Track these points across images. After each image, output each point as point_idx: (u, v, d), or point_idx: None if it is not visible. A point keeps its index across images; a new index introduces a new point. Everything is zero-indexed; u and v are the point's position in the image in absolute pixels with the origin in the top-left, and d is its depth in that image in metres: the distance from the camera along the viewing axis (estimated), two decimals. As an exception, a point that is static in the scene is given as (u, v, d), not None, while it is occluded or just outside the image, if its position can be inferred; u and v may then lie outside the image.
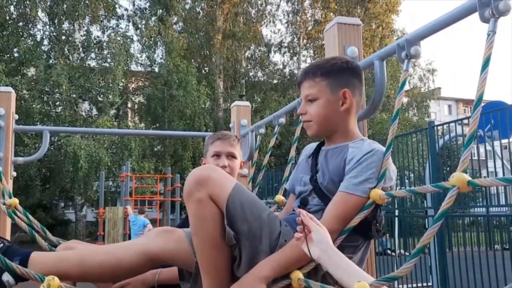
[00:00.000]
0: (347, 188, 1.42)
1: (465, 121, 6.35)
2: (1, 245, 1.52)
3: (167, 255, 1.56)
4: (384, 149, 1.47)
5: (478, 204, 7.28)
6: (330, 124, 1.56)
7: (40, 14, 17.40)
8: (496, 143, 5.75)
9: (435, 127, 5.92)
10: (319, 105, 1.55)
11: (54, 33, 17.63)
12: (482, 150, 5.85)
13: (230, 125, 3.27)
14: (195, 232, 1.41)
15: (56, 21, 17.55)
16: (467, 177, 1.09)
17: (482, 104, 1.18)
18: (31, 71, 17.03)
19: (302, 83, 1.60)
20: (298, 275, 1.36)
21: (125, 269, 1.54)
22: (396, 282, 5.84)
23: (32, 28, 17.26)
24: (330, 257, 1.20)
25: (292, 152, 2.24)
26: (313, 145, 1.72)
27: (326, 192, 1.50)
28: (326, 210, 1.44)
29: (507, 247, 5.78)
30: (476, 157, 5.84)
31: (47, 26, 17.88)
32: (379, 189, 1.40)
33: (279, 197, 2.17)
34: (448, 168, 7.38)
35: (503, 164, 5.60)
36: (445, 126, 6.39)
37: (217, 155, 2.10)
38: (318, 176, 1.55)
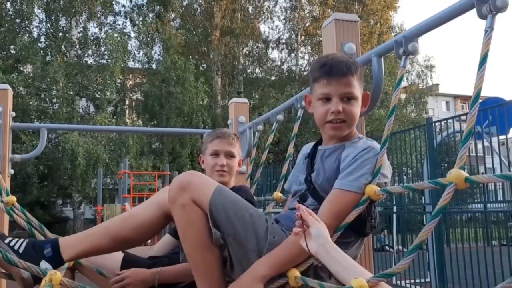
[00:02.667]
0: (342, 185, 1.42)
1: (463, 118, 6.36)
2: (23, 240, 1.55)
3: None
4: (379, 146, 1.47)
5: (476, 200, 7.30)
6: (353, 127, 1.55)
7: (37, 10, 17.31)
8: (494, 139, 5.76)
9: (433, 124, 5.93)
10: (356, 106, 1.51)
11: (51, 30, 17.55)
12: (480, 146, 5.86)
13: (228, 122, 3.27)
14: (184, 237, 1.43)
15: (52, 17, 17.46)
16: (464, 173, 1.09)
17: (480, 101, 1.18)
18: (28, 68, 16.96)
19: (341, 78, 1.48)
20: (294, 273, 1.36)
21: (147, 226, 1.61)
22: (394, 278, 5.86)
23: (28, 25, 17.16)
24: (328, 252, 1.20)
25: (290, 149, 2.24)
26: (310, 145, 1.72)
27: (321, 191, 1.51)
28: (321, 207, 1.44)
29: (505, 243, 5.81)
30: (474, 153, 5.85)
31: (44, 23, 17.79)
32: (374, 185, 1.40)
33: (277, 194, 2.18)
34: (446, 165, 7.39)
35: (500, 160, 5.62)
36: (443, 123, 6.40)
37: (216, 154, 2.09)
38: (312, 175, 1.55)
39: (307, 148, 1.73)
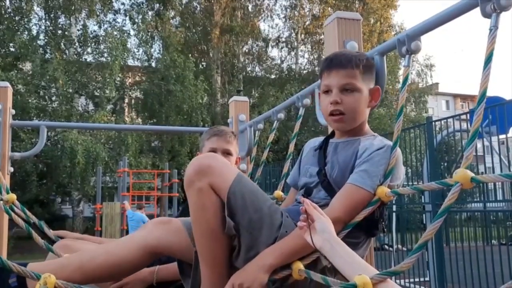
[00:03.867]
0: (356, 181, 1.40)
1: (463, 117, 6.36)
2: None
3: (166, 246, 1.54)
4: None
5: (475, 200, 7.30)
6: (359, 120, 1.54)
7: (36, 8, 17.29)
8: (494, 138, 5.75)
9: (433, 123, 5.92)
10: (358, 98, 1.50)
11: (50, 28, 17.52)
12: (479, 145, 5.87)
13: (228, 120, 3.25)
14: (195, 222, 1.39)
15: (52, 15, 17.44)
16: (470, 173, 1.09)
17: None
18: (27, 66, 16.93)
19: (340, 70, 1.49)
20: (298, 265, 1.35)
21: (126, 266, 1.53)
22: (393, 277, 5.85)
23: (28, 22, 17.13)
24: (332, 247, 1.18)
25: (291, 148, 2.23)
26: (318, 138, 1.71)
27: (334, 185, 1.49)
28: (332, 200, 1.42)
29: (504, 242, 5.81)
30: (474, 153, 5.84)
31: (43, 20, 17.77)
32: (385, 187, 1.39)
33: (278, 192, 2.17)
34: (445, 164, 7.39)
35: (500, 159, 5.62)
36: (443, 122, 6.40)
37: (213, 151, 2.07)
38: (326, 169, 1.53)
39: (314, 141, 1.71)
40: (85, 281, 1.50)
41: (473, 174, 1.09)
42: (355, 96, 1.49)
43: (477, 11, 1.28)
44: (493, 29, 1.20)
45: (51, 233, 2.07)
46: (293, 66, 22.29)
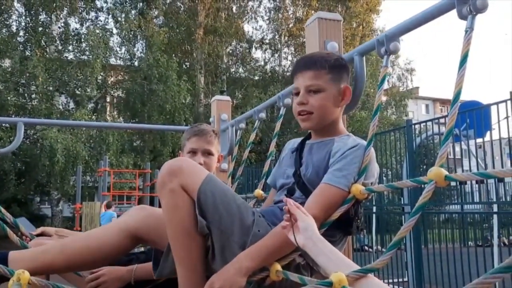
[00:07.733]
0: (330, 180, 1.43)
1: (442, 120, 6.46)
2: None
3: (146, 231, 1.55)
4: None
5: (453, 201, 7.43)
6: (328, 118, 1.57)
7: (16, 4, 16.96)
8: (471, 142, 5.86)
9: (413, 126, 6.00)
10: (323, 98, 1.54)
11: (31, 24, 17.19)
12: (457, 149, 5.96)
13: (211, 119, 3.25)
14: (169, 222, 1.41)
15: (32, 11, 17.12)
16: (444, 171, 1.11)
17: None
18: (6, 63, 16.58)
19: (306, 72, 1.55)
20: (276, 267, 1.36)
21: (107, 249, 1.53)
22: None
23: (7, 18, 16.78)
24: (315, 245, 1.20)
25: (272, 147, 2.24)
26: (297, 139, 1.73)
27: (309, 185, 1.51)
28: (308, 199, 1.44)
29: (480, 243, 5.92)
30: (451, 156, 5.95)
31: (23, 17, 17.42)
32: (359, 184, 1.41)
33: (258, 191, 2.17)
34: (424, 166, 7.50)
35: (477, 163, 5.73)
36: (422, 125, 6.49)
37: (193, 152, 2.04)
38: (301, 169, 1.56)
39: (293, 143, 1.74)
40: (68, 265, 1.52)
41: (447, 172, 1.10)
42: (320, 96, 1.53)
43: (454, 13, 1.31)
44: (469, 31, 1.22)
45: (26, 231, 2.03)
46: (277, 68, 22.36)
